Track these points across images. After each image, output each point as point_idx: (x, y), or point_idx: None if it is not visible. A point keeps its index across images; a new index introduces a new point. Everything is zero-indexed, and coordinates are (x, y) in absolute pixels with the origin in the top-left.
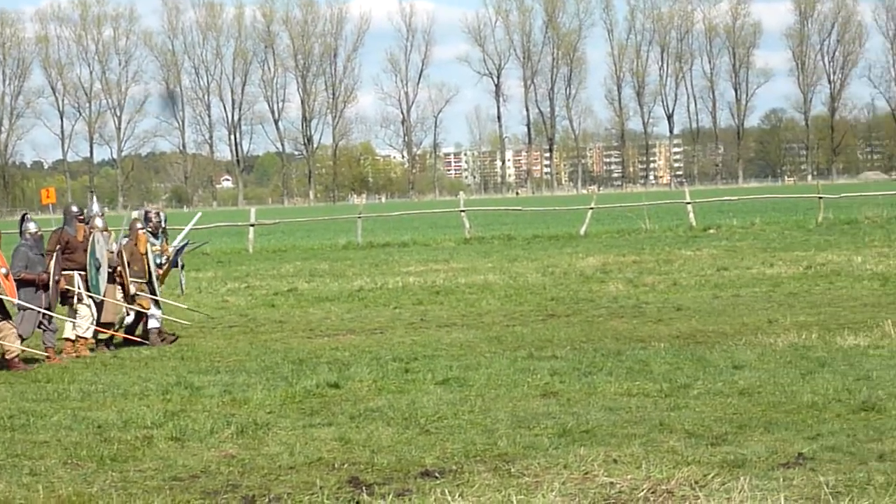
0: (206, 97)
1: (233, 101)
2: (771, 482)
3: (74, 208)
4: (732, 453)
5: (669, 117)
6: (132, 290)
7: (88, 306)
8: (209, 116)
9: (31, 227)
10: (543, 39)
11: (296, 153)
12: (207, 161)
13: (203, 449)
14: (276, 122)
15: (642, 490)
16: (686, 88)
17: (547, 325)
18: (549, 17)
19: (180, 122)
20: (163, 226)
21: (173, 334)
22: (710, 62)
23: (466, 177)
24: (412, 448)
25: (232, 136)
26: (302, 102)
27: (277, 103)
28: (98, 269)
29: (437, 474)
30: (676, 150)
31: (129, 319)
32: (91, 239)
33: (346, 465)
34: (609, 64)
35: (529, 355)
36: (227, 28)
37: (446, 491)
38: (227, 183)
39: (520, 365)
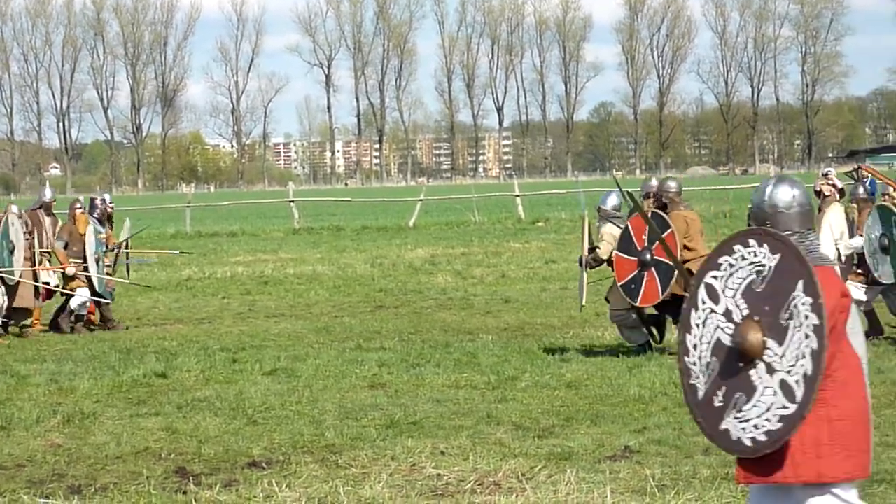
0: (34, 84)
1: (62, 88)
2: (597, 475)
3: None
4: (559, 446)
5: (499, 110)
6: (71, 270)
7: None
8: (37, 104)
9: None
10: (374, 30)
11: (125, 141)
12: (35, 149)
13: (29, 438)
14: (105, 110)
15: (469, 482)
16: (516, 81)
17: (375, 317)
18: (381, 8)
19: (8, 109)
20: (108, 212)
21: (120, 322)
22: (540, 55)
23: (296, 167)
24: (239, 438)
25: (60, 124)
26: (131, 90)
27: (107, 91)
28: (12, 251)
29: (264, 465)
30: (506, 142)
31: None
32: (4, 221)
33: (172, 455)
34: (440, 56)
35: (357, 346)
36: (57, 15)
37: (273, 482)
38: (55, 171)
39: (348, 356)
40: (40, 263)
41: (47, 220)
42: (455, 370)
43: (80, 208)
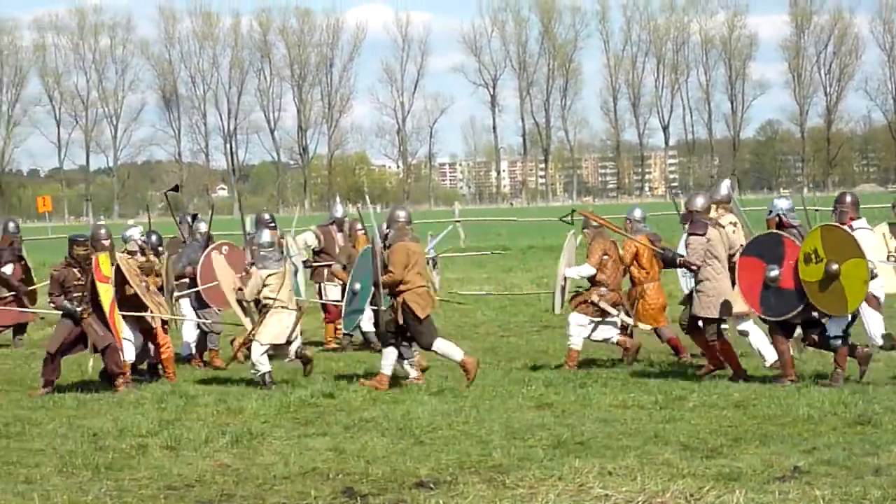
0: (202, 106)
1: (229, 110)
2: (766, 496)
3: (266, 216)
4: (727, 466)
5: (665, 129)
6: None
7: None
8: (205, 125)
9: (202, 227)
10: (539, 50)
11: (291, 162)
12: (203, 170)
13: (198, 458)
14: (271, 131)
15: (637, 502)
16: (682, 100)
17: (542, 336)
18: (545, 28)
19: (176, 131)
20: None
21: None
22: (706, 74)
23: (461, 187)
24: (406, 459)
25: (227, 145)
26: (298, 112)
27: (273, 112)
28: (295, 272)
29: (431, 485)
30: (671, 161)
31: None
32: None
33: (340, 476)
34: (605, 75)
35: (524, 366)
36: (224, 37)
37: (440, 502)
38: (222, 192)
39: (514, 376)
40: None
41: (339, 236)
42: (622, 390)
43: (362, 229)
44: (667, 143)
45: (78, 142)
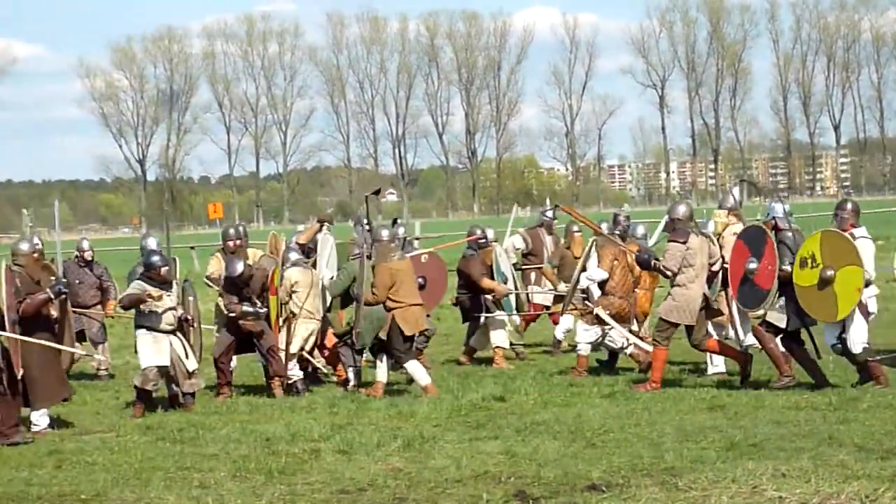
0: (370, 111)
1: (397, 114)
2: None
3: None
4: None
5: (836, 127)
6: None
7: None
8: (373, 130)
9: (401, 231)
10: (708, 50)
11: (459, 166)
12: (372, 175)
13: (370, 462)
14: (440, 135)
15: None
16: (853, 98)
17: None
18: (714, 29)
19: (344, 136)
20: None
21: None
22: (877, 71)
23: (630, 189)
24: (578, 462)
25: (396, 150)
26: (466, 115)
27: (441, 116)
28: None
29: (603, 488)
30: (843, 160)
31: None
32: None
33: (512, 479)
34: (774, 74)
35: (696, 368)
36: (391, 42)
37: None
38: (391, 197)
39: (686, 378)
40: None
41: (548, 239)
42: (795, 391)
43: (578, 231)
44: (838, 141)
45: (248, 148)
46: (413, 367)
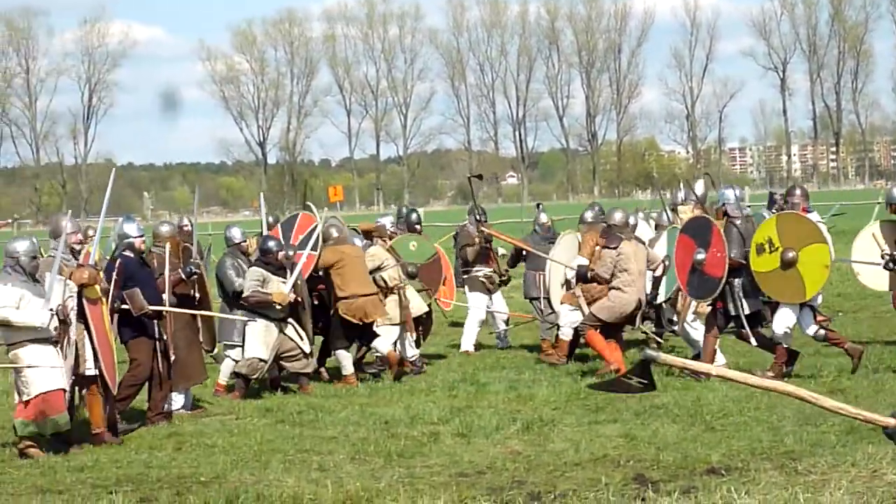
0: (490, 94)
1: (517, 97)
2: None
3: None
4: None
5: None
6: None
7: None
8: (494, 113)
9: (543, 217)
10: (829, 33)
11: (580, 149)
12: (492, 158)
13: (489, 445)
14: (560, 118)
15: None
16: None
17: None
18: (836, 11)
19: (465, 119)
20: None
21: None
22: None
23: (751, 172)
24: (697, 445)
25: (516, 133)
26: (586, 98)
27: (562, 100)
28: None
29: (722, 472)
30: None
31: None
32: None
33: (631, 462)
34: None
35: (816, 352)
36: (511, 25)
37: (732, 489)
38: (511, 180)
39: (806, 362)
40: None
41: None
42: None
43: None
44: None
45: (368, 131)
46: (342, 355)
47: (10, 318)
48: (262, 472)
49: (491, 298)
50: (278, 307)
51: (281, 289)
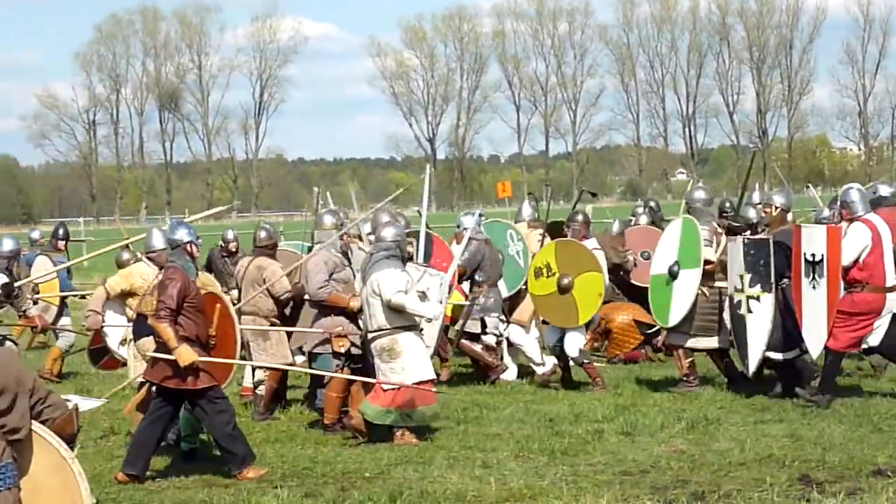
0: (660, 90)
1: (687, 93)
2: None
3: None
4: None
5: None
6: None
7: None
8: (663, 110)
9: (751, 213)
10: None
11: (750, 146)
12: (661, 154)
13: (653, 444)
14: (730, 114)
15: None
16: None
17: None
18: None
19: (634, 115)
20: None
21: None
22: None
23: None
24: (864, 446)
25: (686, 129)
26: (757, 95)
27: (732, 96)
28: None
29: (889, 473)
30: None
31: None
32: None
33: (796, 463)
34: None
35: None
36: (682, 20)
37: None
38: (681, 176)
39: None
40: None
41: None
42: None
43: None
44: None
45: (537, 127)
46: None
47: (406, 304)
48: (426, 469)
49: None
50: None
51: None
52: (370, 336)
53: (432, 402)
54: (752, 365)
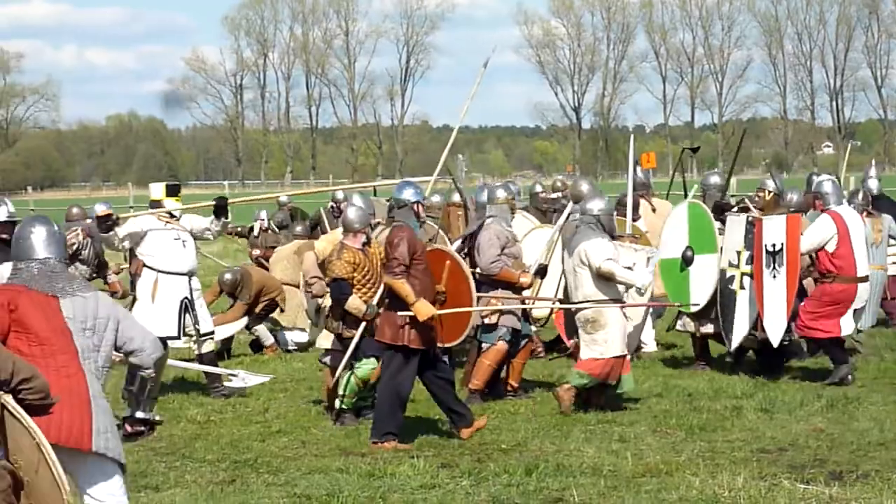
0: (808, 63)
1: (835, 67)
2: None
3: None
4: None
5: None
6: None
7: None
8: (811, 83)
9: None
10: None
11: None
12: (808, 127)
13: (791, 421)
14: (878, 88)
15: None
16: None
17: None
18: None
19: (781, 88)
20: None
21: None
22: None
23: None
24: None
25: (833, 103)
26: None
27: (880, 70)
28: None
29: None
30: None
31: None
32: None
33: None
34: None
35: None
36: None
37: None
38: (827, 149)
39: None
40: None
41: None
42: None
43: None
44: None
45: (683, 98)
46: None
47: (616, 272)
48: (563, 442)
49: None
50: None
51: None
52: (574, 308)
53: (627, 371)
54: (735, 341)
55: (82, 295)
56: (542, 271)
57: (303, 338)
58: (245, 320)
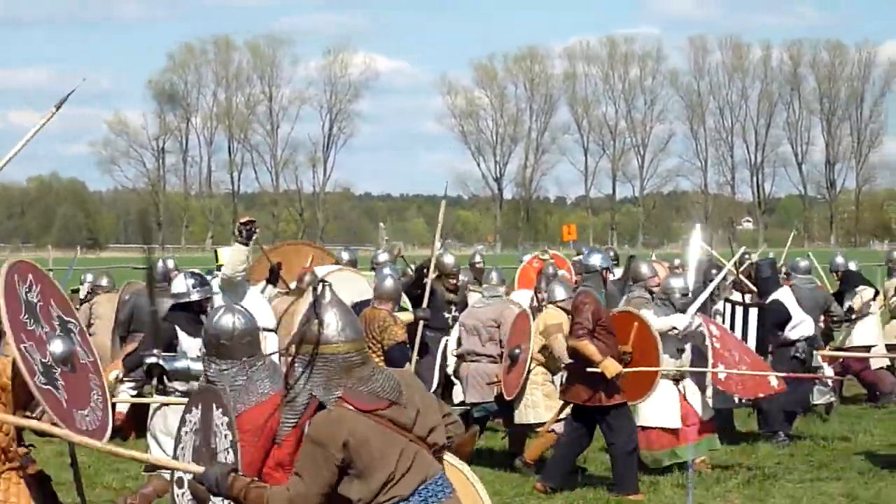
0: (729, 138)
1: (756, 142)
2: None
3: None
4: None
5: None
6: None
7: None
8: (732, 157)
9: None
10: None
11: (818, 197)
12: (728, 202)
13: (708, 498)
14: (799, 164)
15: None
16: None
17: None
18: None
19: (702, 162)
20: None
21: None
22: None
23: None
24: None
25: (754, 178)
26: (826, 146)
27: (801, 146)
28: None
29: None
30: None
31: None
32: None
33: None
34: None
35: None
36: (753, 69)
37: None
38: (747, 224)
39: None
40: None
41: None
42: None
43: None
44: None
45: (604, 170)
46: None
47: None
48: None
49: None
50: None
51: None
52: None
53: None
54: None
55: None
56: None
57: None
58: None
